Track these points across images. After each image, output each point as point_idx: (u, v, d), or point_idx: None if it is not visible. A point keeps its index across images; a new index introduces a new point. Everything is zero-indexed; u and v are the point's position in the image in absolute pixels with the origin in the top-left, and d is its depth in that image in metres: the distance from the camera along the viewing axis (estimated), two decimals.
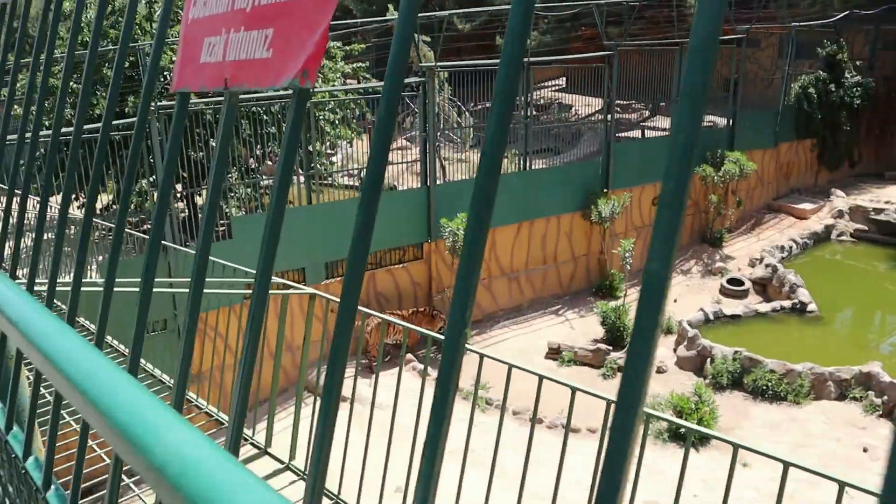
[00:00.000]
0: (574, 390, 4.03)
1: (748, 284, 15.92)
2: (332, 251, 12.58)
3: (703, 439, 10.49)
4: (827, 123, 20.70)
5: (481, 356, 3.94)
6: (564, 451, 3.85)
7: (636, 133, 18.78)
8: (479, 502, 4.95)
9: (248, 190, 12.08)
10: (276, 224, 1.01)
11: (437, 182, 13.96)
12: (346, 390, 8.96)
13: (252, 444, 4.39)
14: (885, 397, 11.24)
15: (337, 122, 13.56)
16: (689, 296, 15.79)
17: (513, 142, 16.26)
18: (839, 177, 21.90)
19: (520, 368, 4.13)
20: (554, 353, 13.32)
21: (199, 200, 12.55)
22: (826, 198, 20.02)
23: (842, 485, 2.82)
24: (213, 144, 10.57)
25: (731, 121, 18.51)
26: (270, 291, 4.59)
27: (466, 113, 17.28)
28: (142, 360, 5.11)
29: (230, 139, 1.14)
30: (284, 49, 1.02)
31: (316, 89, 12.84)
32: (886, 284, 16.73)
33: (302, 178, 12.59)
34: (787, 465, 3.18)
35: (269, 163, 13.24)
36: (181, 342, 1.10)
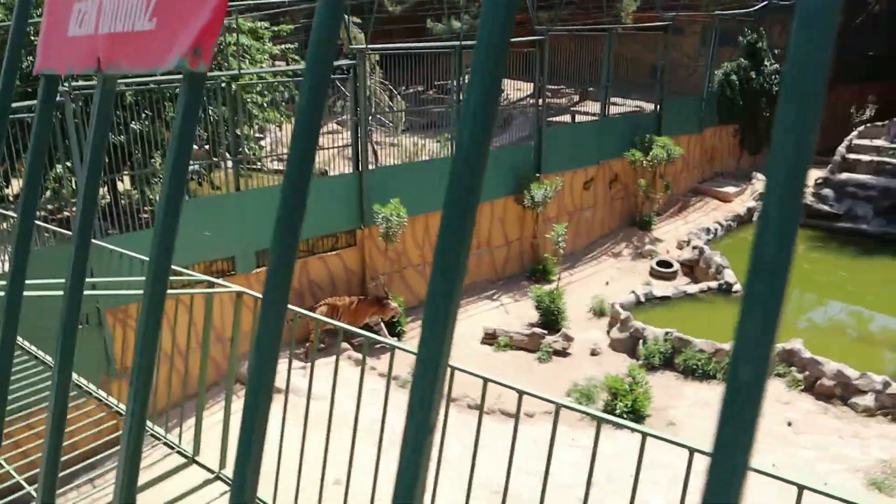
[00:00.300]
0: (521, 394, 3.89)
1: (677, 266, 16.26)
2: (263, 239, 12.20)
3: (638, 420, 10.62)
4: (748, 109, 21.28)
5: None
6: (514, 444, 3.72)
7: (567, 118, 18.88)
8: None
9: None
10: (169, 218, 0.79)
11: (370, 167, 13.70)
12: (281, 382, 8.67)
13: (179, 452, 4.04)
14: (807, 372, 11.61)
15: (265, 105, 13.14)
16: (621, 278, 16.03)
17: (445, 125, 16.12)
18: (760, 160, 22.56)
19: (464, 371, 3.94)
20: (490, 338, 13.30)
21: (122, 186, 11.98)
22: (748, 181, 20.58)
23: None
24: (135, 127, 10.01)
25: (657, 106, 18.79)
26: (195, 291, 4.28)
27: (398, 97, 17.03)
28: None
29: (107, 132, 0.91)
30: (171, 18, 0.77)
31: (243, 71, 12.39)
32: (804, 264, 17.30)
33: (230, 164, 12.15)
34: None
35: (195, 147, 12.73)
36: (56, 352, 0.90)
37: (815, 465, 9.70)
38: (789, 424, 10.61)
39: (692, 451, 3.10)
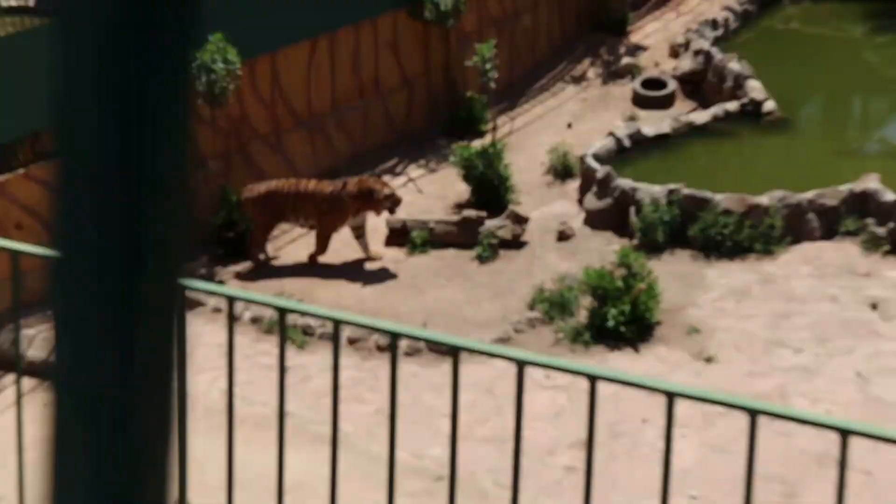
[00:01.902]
0: (455, 349, 3.33)
1: (673, 85, 16.23)
2: None
3: (644, 331, 10.69)
4: None
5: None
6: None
7: None
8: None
9: None
10: None
11: None
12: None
13: None
14: (891, 224, 11.58)
15: None
16: (590, 115, 15.93)
17: None
18: None
19: (353, 324, 3.46)
20: (398, 235, 12.97)
21: None
22: None
23: None
24: None
25: None
26: None
27: None
28: None
29: None
30: None
31: None
32: (865, 55, 17.30)
33: None
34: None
35: None
36: None
37: None
38: (874, 307, 10.66)
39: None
